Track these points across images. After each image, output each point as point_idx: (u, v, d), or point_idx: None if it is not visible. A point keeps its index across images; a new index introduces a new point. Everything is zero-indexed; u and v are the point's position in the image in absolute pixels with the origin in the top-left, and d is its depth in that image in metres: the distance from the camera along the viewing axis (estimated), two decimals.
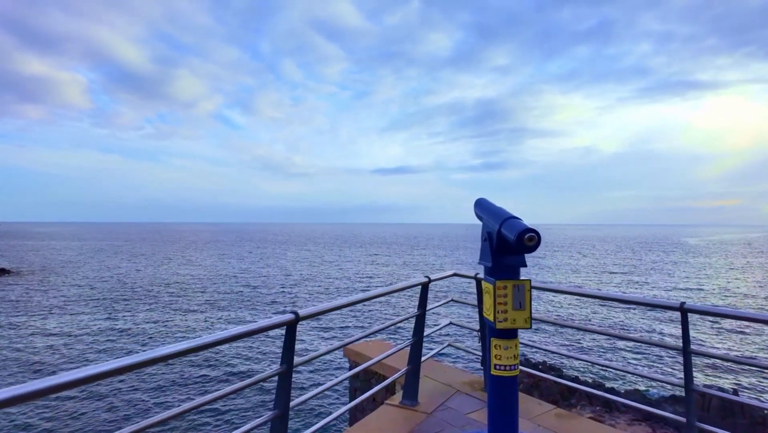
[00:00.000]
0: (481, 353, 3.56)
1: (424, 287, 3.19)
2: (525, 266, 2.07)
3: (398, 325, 17.72)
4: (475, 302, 3.63)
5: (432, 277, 3.22)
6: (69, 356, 15.39)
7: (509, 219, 2.01)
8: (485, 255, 2.14)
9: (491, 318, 2.07)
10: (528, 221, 2.34)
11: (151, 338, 17.56)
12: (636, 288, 31.36)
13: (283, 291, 29.32)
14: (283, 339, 2.09)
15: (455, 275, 3.63)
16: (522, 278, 2.11)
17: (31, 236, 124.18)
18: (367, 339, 4.91)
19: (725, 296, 28.60)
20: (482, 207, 2.37)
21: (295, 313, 2.06)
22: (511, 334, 2.09)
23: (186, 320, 20.53)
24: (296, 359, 2.10)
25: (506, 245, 2.00)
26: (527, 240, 1.86)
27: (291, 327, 2.06)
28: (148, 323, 19.95)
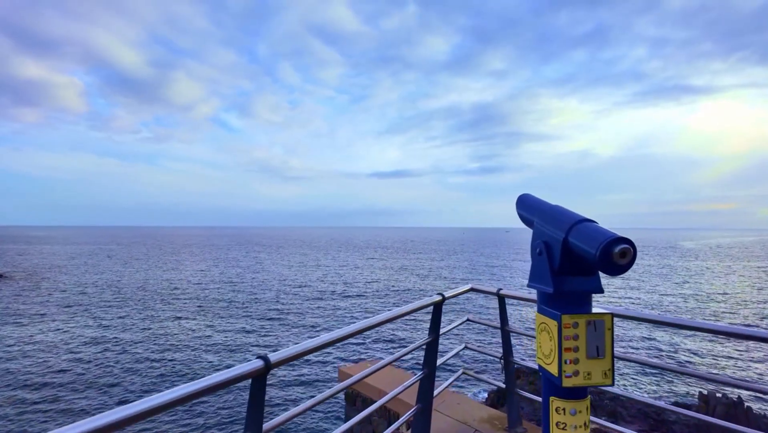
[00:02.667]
0: (504, 384, 2.96)
1: (437, 308, 2.57)
2: (601, 291, 1.42)
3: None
4: (495, 323, 3.03)
5: (446, 294, 2.60)
6: (50, 367, 14.64)
7: (582, 223, 1.37)
8: (540, 275, 1.48)
9: (554, 371, 1.42)
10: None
11: (134, 345, 16.81)
12: (633, 293, 30.91)
13: (278, 299, 28.60)
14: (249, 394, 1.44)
15: (472, 290, 3.00)
16: (595, 309, 1.44)
17: (27, 239, 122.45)
18: (368, 361, 4.27)
19: (723, 301, 28.23)
20: (532, 207, 1.69)
21: (265, 358, 1.40)
22: (580, 393, 1.46)
23: (174, 329, 19.78)
24: (267, 422, 1.45)
25: (577, 261, 1.37)
26: (618, 255, 1.19)
27: (259, 379, 1.41)
28: (134, 332, 19.18)
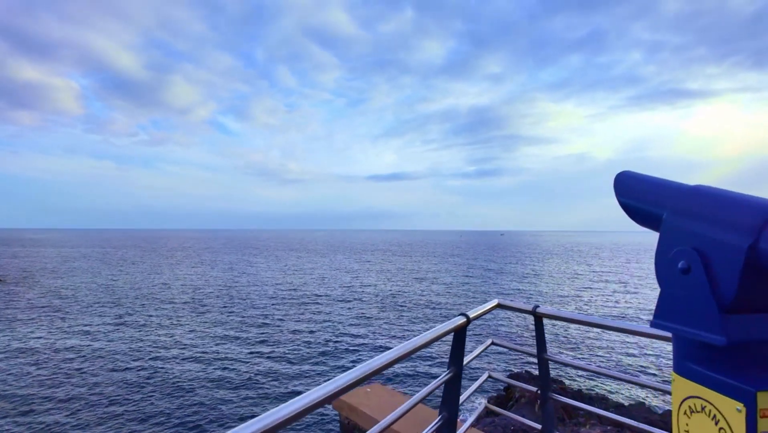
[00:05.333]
0: (540, 425, 2.36)
1: (459, 334, 1.92)
2: None
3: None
4: (528, 348, 2.43)
5: (470, 315, 1.98)
6: (32, 376, 13.93)
7: None
8: (688, 309, 0.81)
9: None
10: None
11: (115, 354, 16.11)
12: (631, 297, 30.47)
13: (269, 305, 27.94)
14: None
15: (499, 306, 2.34)
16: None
17: (22, 242, 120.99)
18: (367, 386, 3.69)
19: None
20: (655, 192, 1.01)
21: None
22: None
23: (156, 338, 19.09)
24: None
25: None
26: None
27: None
28: (119, 340, 18.48)
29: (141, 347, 17.14)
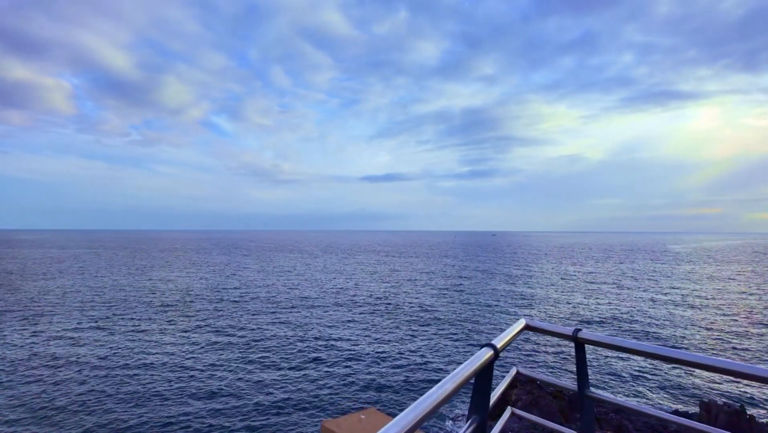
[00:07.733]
0: None
1: (486, 371, 1.32)
2: None
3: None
4: (566, 381, 2.00)
5: (498, 344, 1.41)
6: (7, 385, 13.39)
7: None
8: None
9: None
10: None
11: (99, 360, 15.61)
12: (627, 296, 30.44)
13: (262, 309, 27.45)
14: None
15: (527, 328, 1.81)
16: None
17: (11, 243, 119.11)
18: (361, 412, 3.35)
19: (717, 308, 27.84)
20: None
21: None
22: None
23: (147, 343, 18.57)
24: None
25: None
26: None
27: None
28: (104, 345, 17.92)
29: (126, 352, 16.58)
